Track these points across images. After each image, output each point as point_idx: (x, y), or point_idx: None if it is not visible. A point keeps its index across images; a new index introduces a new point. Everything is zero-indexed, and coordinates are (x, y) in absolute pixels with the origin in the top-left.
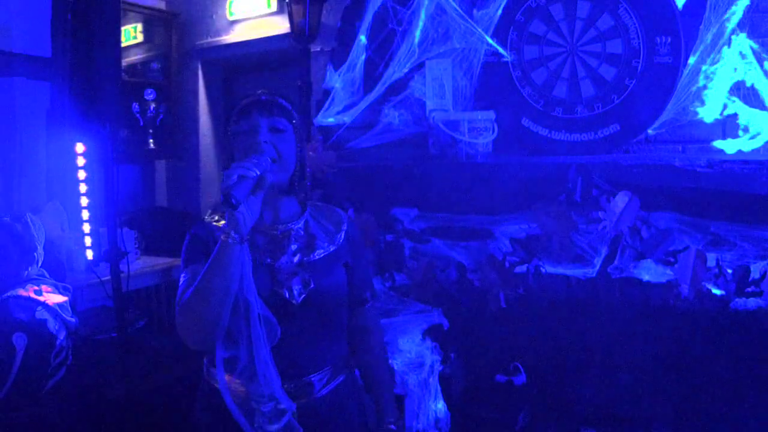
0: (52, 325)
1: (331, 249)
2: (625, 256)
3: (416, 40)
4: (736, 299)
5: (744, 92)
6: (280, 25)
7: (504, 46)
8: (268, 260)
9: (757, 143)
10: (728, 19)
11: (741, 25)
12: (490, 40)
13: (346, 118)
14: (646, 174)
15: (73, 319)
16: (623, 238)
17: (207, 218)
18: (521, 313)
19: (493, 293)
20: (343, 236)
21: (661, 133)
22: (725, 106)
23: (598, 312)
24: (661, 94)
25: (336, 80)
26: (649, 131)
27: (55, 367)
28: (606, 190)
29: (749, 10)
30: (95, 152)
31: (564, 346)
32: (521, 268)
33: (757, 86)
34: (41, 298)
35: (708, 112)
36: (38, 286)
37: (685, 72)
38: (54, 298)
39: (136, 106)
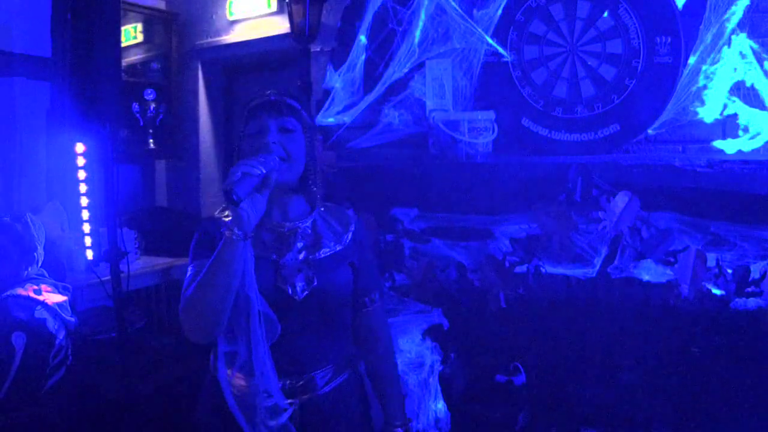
0: (51, 324)
1: (338, 248)
2: (625, 256)
3: (416, 40)
4: (736, 299)
5: (744, 92)
6: (280, 25)
7: (504, 46)
8: (274, 256)
9: (757, 143)
10: (728, 19)
11: (741, 25)
12: (490, 40)
13: (346, 118)
14: (646, 174)
15: (72, 319)
16: (623, 238)
17: (217, 214)
18: (521, 313)
19: (493, 293)
20: (350, 237)
21: (661, 133)
22: (725, 106)
23: (598, 312)
24: (661, 94)
25: (336, 80)
26: (649, 131)
27: (54, 366)
28: (606, 190)
29: (749, 10)
30: (95, 152)
31: (564, 346)
32: (521, 268)
33: (757, 86)
34: (41, 298)
35: (708, 112)
36: (38, 285)
37: (685, 72)
38: (53, 298)
39: (136, 106)
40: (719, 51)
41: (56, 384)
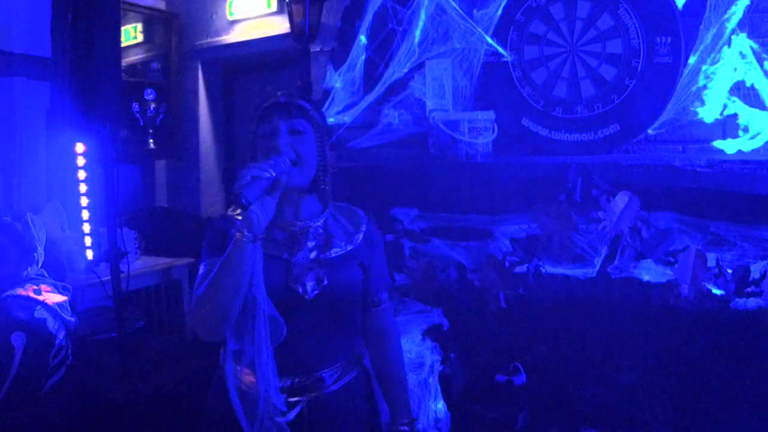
0: (51, 324)
1: (349, 248)
2: (625, 256)
3: (416, 40)
4: (736, 299)
5: (744, 92)
6: (280, 25)
7: (504, 46)
8: (285, 255)
9: (757, 143)
10: (728, 19)
11: (741, 25)
12: (490, 40)
13: (346, 118)
14: (646, 174)
15: (72, 319)
16: (623, 238)
17: (229, 212)
18: (521, 313)
19: (493, 293)
20: (361, 237)
21: (661, 133)
22: (725, 106)
23: (598, 312)
24: (661, 94)
25: (336, 80)
26: (649, 131)
27: (54, 366)
28: (606, 190)
29: (749, 10)
30: (95, 152)
31: (564, 346)
32: (521, 268)
33: (757, 86)
34: (40, 298)
35: (708, 112)
36: (37, 285)
37: (685, 72)
38: (53, 298)
39: (136, 106)
40: (719, 51)
41: (56, 384)
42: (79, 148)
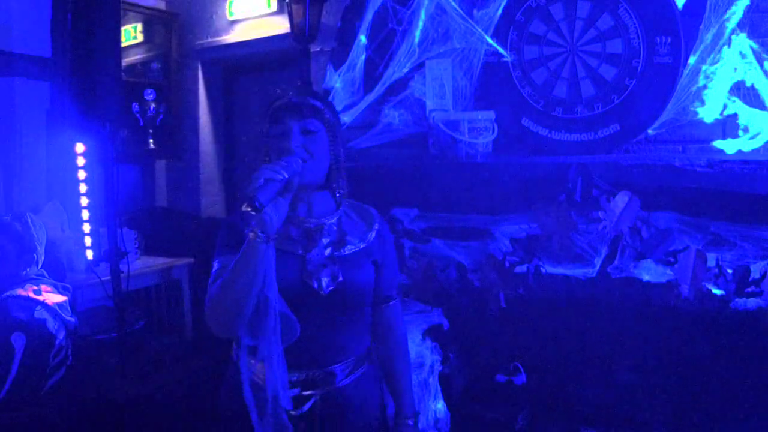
0: (51, 324)
1: (362, 246)
2: (625, 256)
3: (416, 40)
4: (736, 299)
5: (744, 92)
6: (280, 25)
7: (504, 46)
8: (300, 251)
9: (757, 143)
10: (728, 19)
11: (741, 25)
12: (490, 40)
13: (346, 118)
14: (646, 174)
15: (72, 319)
16: (623, 238)
17: (244, 208)
18: (521, 313)
19: (493, 293)
20: (374, 235)
21: (661, 133)
22: (725, 106)
23: (598, 312)
24: (661, 94)
25: (336, 80)
26: (649, 131)
27: (54, 366)
28: (606, 190)
29: (749, 10)
30: (95, 152)
31: (564, 346)
32: (521, 268)
33: (757, 86)
34: (40, 298)
35: (708, 112)
36: (37, 285)
37: (685, 72)
38: (53, 298)
39: (136, 106)
40: (719, 51)
41: (56, 384)
42: (79, 148)
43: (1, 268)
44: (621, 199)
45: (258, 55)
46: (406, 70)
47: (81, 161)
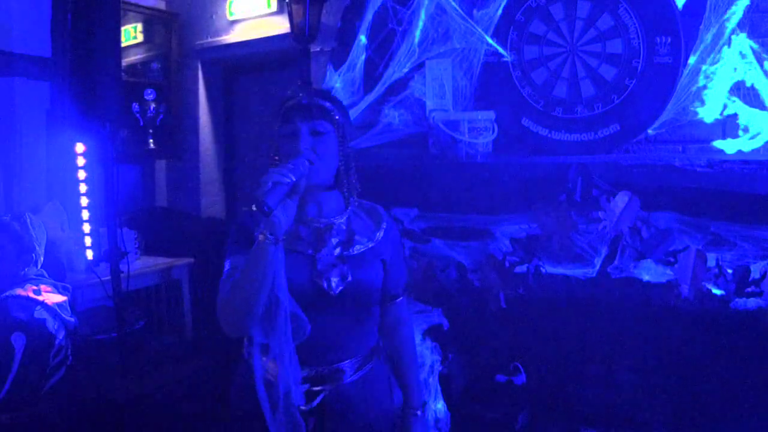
0: (51, 324)
1: (370, 245)
2: (625, 256)
3: (416, 40)
4: (736, 299)
5: (744, 92)
6: (280, 25)
7: (504, 46)
8: (310, 251)
9: (757, 143)
10: (728, 19)
11: (741, 25)
12: (490, 40)
13: None
14: (646, 174)
15: (72, 319)
16: (623, 238)
17: (254, 208)
18: (521, 313)
19: (493, 293)
20: (382, 234)
21: (661, 133)
22: (725, 106)
23: (598, 312)
24: (661, 94)
25: (336, 80)
26: (649, 131)
27: (54, 366)
28: (606, 190)
29: (749, 10)
30: (95, 152)
31: (564, 346)
32: (521, 268)
33: (757, 86)
34: (40, 298)
35: (708, 112)
36: (37, 285)
37: (685, 72)
38: (53, 298)
39: (136, 106)
40: (719, 51)
41: (56, 384)
42: (79, 148)
43: (0, 268)
44: (621, 199)
45: (258, 55)
46: (406, 70)
47: (81, 161)
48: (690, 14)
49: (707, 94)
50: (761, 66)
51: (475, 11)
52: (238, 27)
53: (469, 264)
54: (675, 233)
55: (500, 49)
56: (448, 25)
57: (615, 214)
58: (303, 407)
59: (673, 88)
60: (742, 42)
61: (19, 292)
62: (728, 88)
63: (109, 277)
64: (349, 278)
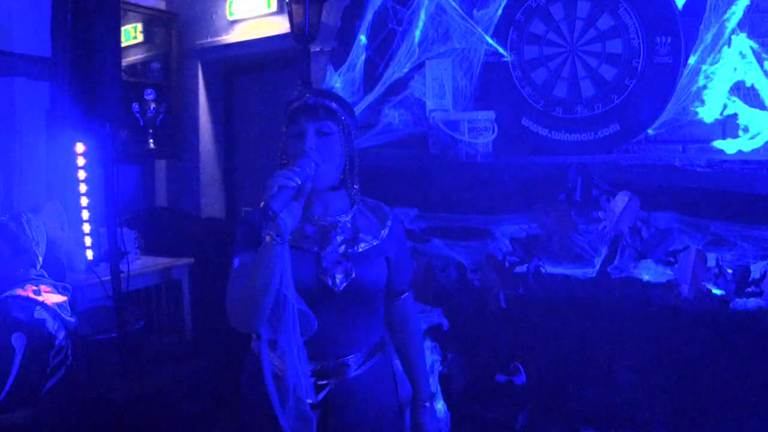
0: (51, 324)
1: (375, 243)
2: (625, 256)
3: (416, 40)
4: (736, 299)
5: (744, 92)
6: (280, 25)
7: (504, 46)
8: (315, 249)
9: (757, 143)
10: (728, 19)
11: (741, 25)
12: (490, 40)
13: None
14: (646, 174)
15: (72, 319)
16: (623, 238)
17: (262, 206)
18: (521, 313)
19: (493, 293)
20: (387, 232)
21: (661, 133)
22: (725, 106)
23: (598, 312)
24: (661, 94)
25: (336, 80)
26: (649, 131)
27: (54, 367)
28: (606, 190)
29: (749, 10)
30: (95, 152)
31: (564, 346)
32: (521, 268)
33: (757, 86)
34: (40, 298)
35: (708, 112)
36: (37, 286)
37: (685, 72)
38: (53, 298)
39: (136, 106)
40: (719, 51)
41: (56, 384)
42: (79, 148)
43: None
44: (621, 199)
45: (258, 55)
46: (406, 70)
47: (81, 161)
48: (690, 14)
49: (707, 94)
50: (761, 66)
51: (475, 11)
52: (238, 27)
53: (469, 264)
54: (675, 233)
55: (500, 49)
56: (448, 25)
57: (615, 214)
58: (308, 406)
59: (673, 88)
60: (742, 42)
61: (19, 292)
62: (728, 88)
63: (109, 277)
64: (353, 275)
